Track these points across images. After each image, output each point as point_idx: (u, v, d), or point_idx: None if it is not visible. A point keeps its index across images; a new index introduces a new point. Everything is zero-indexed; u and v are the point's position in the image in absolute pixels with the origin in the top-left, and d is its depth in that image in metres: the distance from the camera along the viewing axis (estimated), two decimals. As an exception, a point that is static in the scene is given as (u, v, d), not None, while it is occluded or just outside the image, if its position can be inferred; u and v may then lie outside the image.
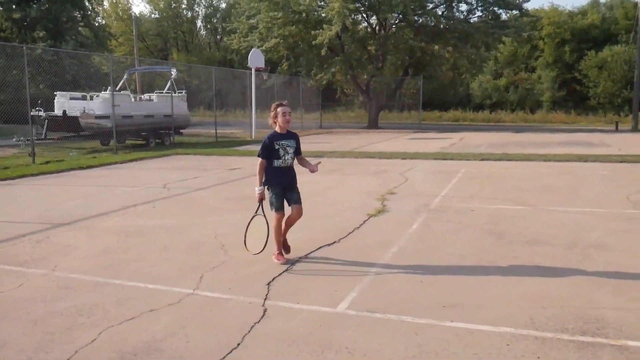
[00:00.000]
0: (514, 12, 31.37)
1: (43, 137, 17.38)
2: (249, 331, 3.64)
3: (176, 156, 16.14)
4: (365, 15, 31.62)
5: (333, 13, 26.60)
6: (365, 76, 31.28)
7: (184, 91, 23.00)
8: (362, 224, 6.79)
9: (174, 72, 21.82)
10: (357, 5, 28.59)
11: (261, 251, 5.11)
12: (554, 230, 6.33)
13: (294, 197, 5.15)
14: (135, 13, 42.29)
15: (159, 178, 11.28)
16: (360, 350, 3.33)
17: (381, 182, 10.33)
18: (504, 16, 31.75)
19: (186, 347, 3.41)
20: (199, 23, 58.96)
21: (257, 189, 5.10)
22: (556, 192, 9.00)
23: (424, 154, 15.43)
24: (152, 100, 20.89)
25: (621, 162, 12.94)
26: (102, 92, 18.71)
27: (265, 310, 4.00)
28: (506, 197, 8.56)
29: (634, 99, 29.28)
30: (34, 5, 31.93)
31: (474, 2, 31.10)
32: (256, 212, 5.16)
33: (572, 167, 12.29)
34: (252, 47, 26.85)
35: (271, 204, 5.12)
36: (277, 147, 5.05)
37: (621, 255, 5.34)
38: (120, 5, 54.77)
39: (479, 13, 31.73)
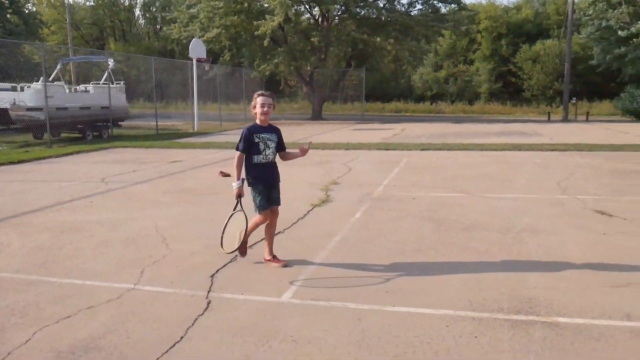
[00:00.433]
0: (453, 6, 32.19)
1: (-31, 130, 16.43)
2: (192, 324, 3.59)
3: (115, 149, 15.63)
4: (308, 7, 31.58)
5: (275, 3, 26.43)
6: (309, 68, 31.33)
7: (122, 82, 22.27)
8: (306, 214, 6.82)
9: (111, 62, 21.05)
10: (300, -4, 28.54)
11: (236, 249, 4.66)
12: (490, 216, 6.58)
13: (274, 197, 4.81)
14: (68, 0, 40.35)
15: (97, 172, 10.90)
16: (305, 339, 3.36)
17: (325, 173, 10.40)
18: (443, 10, 32.58)
19: (127, 342, 3.33)
20: (137, 11, 57.08)
21: (235, 185, 4.65)
22: (492, 180, 9.35)
23: (367, 144, 15.64)
24: (89, 91, 20.08)
25: (552, 150, 13.58)
26: (34, 83, 17.84)
27: (209, 303, 3.96)
28: (445, 186, 8.82)
29: (565, 91, 30.73)
30: (-44, -9, 29.98)
31: (414, -5, 31.74)
32: (234, 209, 4.71)
33: (507, 156, 12.79)
34: (193, 37, 26.31)
35: (255, 204, 4.70)
36: (257, 140, 4.62)
37: (551, 237, 5.62)
38: (52, -8, 52.21)
39: (419, 6, 32.46)
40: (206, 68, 26.24)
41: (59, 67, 20.38)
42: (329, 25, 31.18)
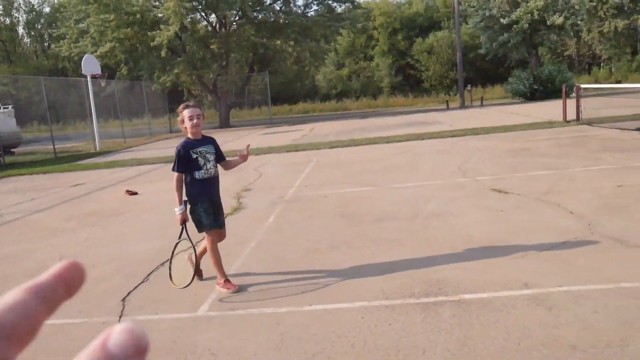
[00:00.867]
0: (347, 4, 33.00)
1: None
2: (105, 352, 3.43)
3: (9, 178, 14.58)
4: (204, 14, 31.11)
5: (169, 13, 25.76)
6: (211, 75, 30.85)
7: (10, 106, 20.84)
8: (219, 224, 6.72)
9: (-5, 86, 19.68)
10: (194, 3, 28.01)
11: (189, 284, 4.27)
12: (398, 206, 6.83)
13: (220, 220, 4.52)
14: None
15: (-11, 205, 10.13)
16: (224, 350, 3.33)
17: (236, 180, 10.31)
18: (338, 9, 33.31)
19: (33, 382, 3.13)
20: (21, 30, 53.65)
21: (177, 210, 4.28)
22: (398, 170, 9.70)
23: (277, 147, 15.67)
24: (-28, 119, 18.67)
25: (452, 137, 14.29)
26: None
27: (121, 328, 3.81)
28: (354, 181, 9.03)
29: (459, 79, 32.45)
30: None
31: (309, -4, 32.24)
32: (180, 238, 4.36)
33: (411, 145, 13.31)
34: (85, 53, 25.07)
35: (199, 224, 4.34)
36: (194, 155, 4.31)
37: (455, 220, 5.92)
38: None
39: (315, 7, 33.01)
40: (102, 84, 25.16)
41: None
42: (228, 31, 30.89)
